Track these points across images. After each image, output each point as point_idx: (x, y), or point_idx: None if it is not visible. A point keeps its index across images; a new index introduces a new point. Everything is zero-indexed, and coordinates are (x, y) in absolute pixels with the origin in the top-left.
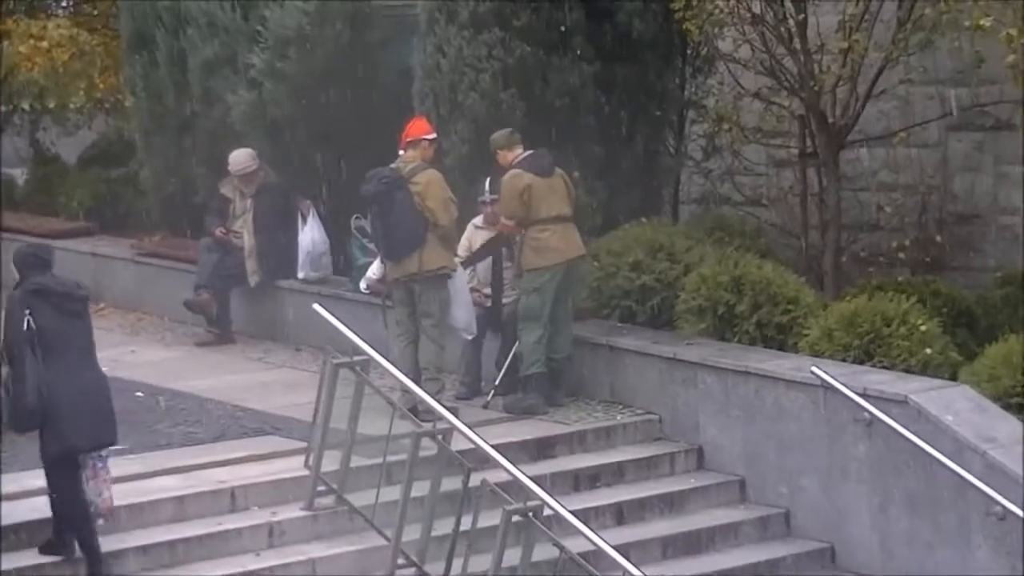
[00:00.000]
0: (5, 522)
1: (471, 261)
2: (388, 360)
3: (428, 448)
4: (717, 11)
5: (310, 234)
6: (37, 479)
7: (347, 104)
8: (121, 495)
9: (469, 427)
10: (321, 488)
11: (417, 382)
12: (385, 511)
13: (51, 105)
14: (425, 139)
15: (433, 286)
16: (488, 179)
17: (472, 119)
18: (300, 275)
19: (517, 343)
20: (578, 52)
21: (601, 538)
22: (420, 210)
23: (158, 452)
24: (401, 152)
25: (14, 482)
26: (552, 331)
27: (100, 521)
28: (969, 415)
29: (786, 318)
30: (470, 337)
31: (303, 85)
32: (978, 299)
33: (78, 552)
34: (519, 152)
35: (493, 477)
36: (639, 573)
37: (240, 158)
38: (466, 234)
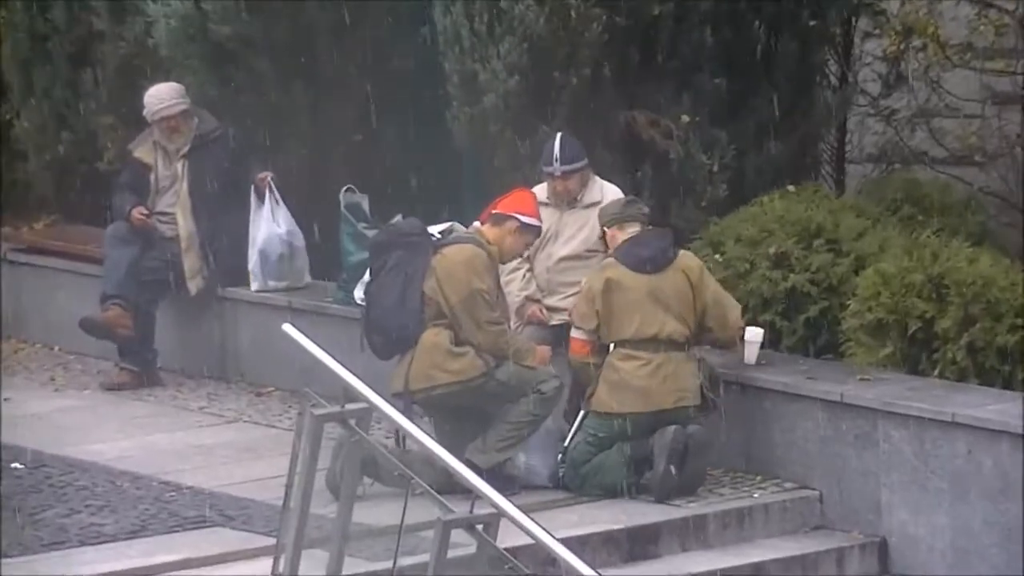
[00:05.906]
0: None
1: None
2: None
3: (464, 544)
4: None
5: (266, 225)
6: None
7: (328, 20)
8: None
9: (525, 511)
10: None
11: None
12: None
13: None
14: (518, 219)
15: (443, 403)
16: (559, 136)
17: (523, 36)
18: (253, 286)
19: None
20: None
21: None
22: (426, 296)
23: (48, 554)
24: (476, 224)
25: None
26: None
27: None
28: None
29: (1013, 339)
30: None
31: None
32: None
33: None
34: (633, 232)
35: None
36: None
37: (160, 95)
38: None
